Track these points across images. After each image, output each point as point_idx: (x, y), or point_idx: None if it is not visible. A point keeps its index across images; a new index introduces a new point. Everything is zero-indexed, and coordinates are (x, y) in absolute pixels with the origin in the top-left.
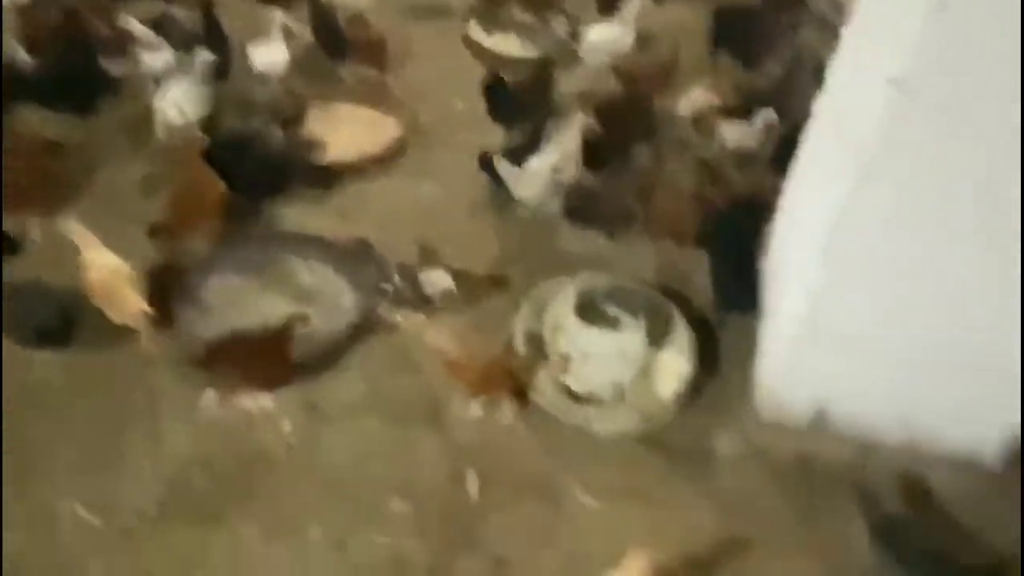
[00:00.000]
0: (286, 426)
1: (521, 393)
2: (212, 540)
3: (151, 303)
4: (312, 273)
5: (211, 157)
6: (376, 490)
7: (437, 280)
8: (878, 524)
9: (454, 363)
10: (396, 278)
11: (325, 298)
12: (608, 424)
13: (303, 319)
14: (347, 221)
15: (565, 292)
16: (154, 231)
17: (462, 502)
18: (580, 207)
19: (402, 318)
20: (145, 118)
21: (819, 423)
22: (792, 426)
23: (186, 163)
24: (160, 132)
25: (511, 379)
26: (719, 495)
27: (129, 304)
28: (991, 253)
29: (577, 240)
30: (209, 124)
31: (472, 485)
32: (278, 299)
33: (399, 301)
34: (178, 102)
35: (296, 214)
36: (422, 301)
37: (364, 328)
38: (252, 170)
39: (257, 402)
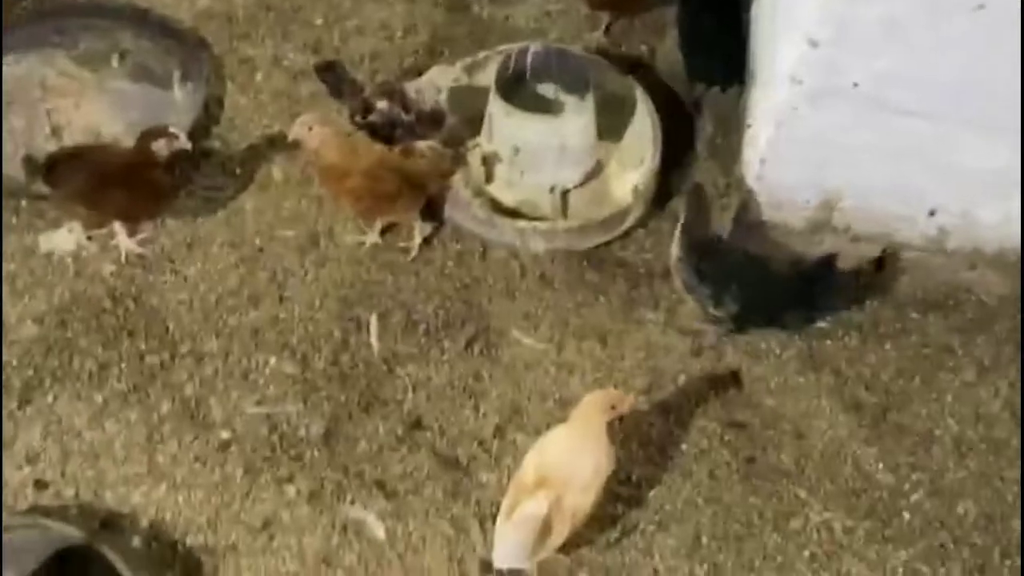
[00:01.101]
0: (107, 270)
1: (432, 209)
2: (22, 425)
3: None
4: (124, 61)
5: None
6: (242, 347)
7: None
8: (690, 243)
9: (333, 169)
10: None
11: (150, 94)
12: (549, 241)
13: (172, 135)
14: None
15: (489, 69)
16: None
17: (361, 354)
18: None
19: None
20: None
21: (824, 217)
22: (789, 227)
23: None
24: None
25: (413, 189)
26: (692, 324)
27: None
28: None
29: (506, 5)
30: None
31: (372, 332)
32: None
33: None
34: None
35: None
36: (432, 122)
37: (207, 135)
38: None
39: (63, 241)
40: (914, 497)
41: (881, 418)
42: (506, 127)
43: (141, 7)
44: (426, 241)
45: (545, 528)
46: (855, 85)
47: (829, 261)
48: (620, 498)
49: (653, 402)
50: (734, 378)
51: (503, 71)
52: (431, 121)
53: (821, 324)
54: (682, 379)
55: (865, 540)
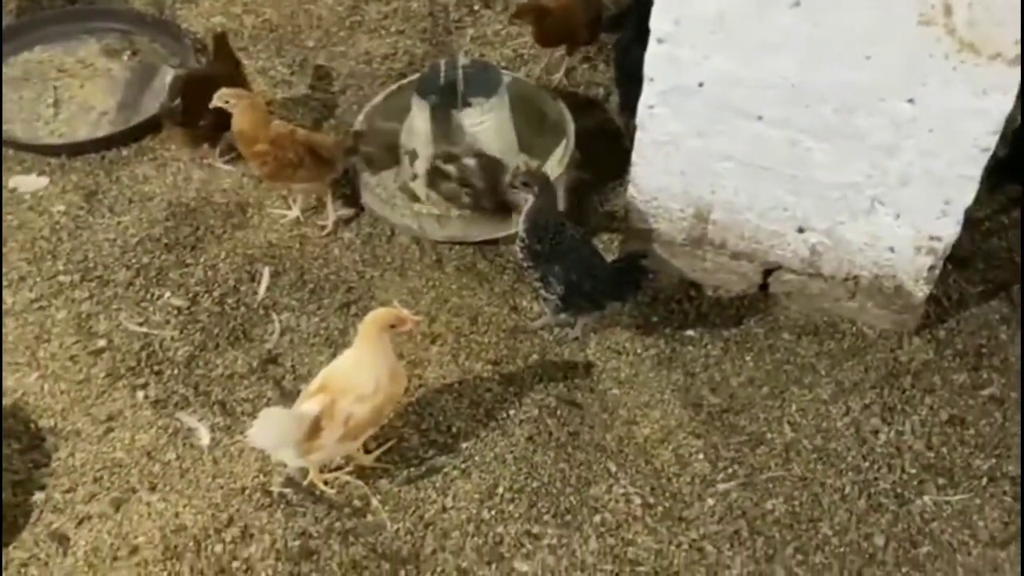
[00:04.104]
0: (58, 208)
1: (353, 195)
2: None
3: None
4: (135, 57)
5: None
6: (146, 281)
7: None
8: (532, 226)
9: (243, 136)
10: None
11: (141, 80)
12: (443, 227)
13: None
14: None
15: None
16: None
17: (245, 299)
18: None
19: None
20: None
21: (700, 231)
22: (671, 240)
23: None
24: None
25: (316, 160)
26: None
27: None
28: None
29: (484, 44)
30: None
31: (262, 282)
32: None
33: None
34: None
35: None
36: None
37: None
38: None
39: (33, 181)
40: (723, 487)
41: (717, 417)
42: (418, 119)
43: (164, 19)
44: (346, 223)
45: (315, 428)
46: (700, 85)
47: (635, 256)
48: (434, 444)
49: (499, 372)
50: (587, 367)
51: (429, 75)
52: None
53: (690, 332)
54: (534, 358)
55: (661, 516)
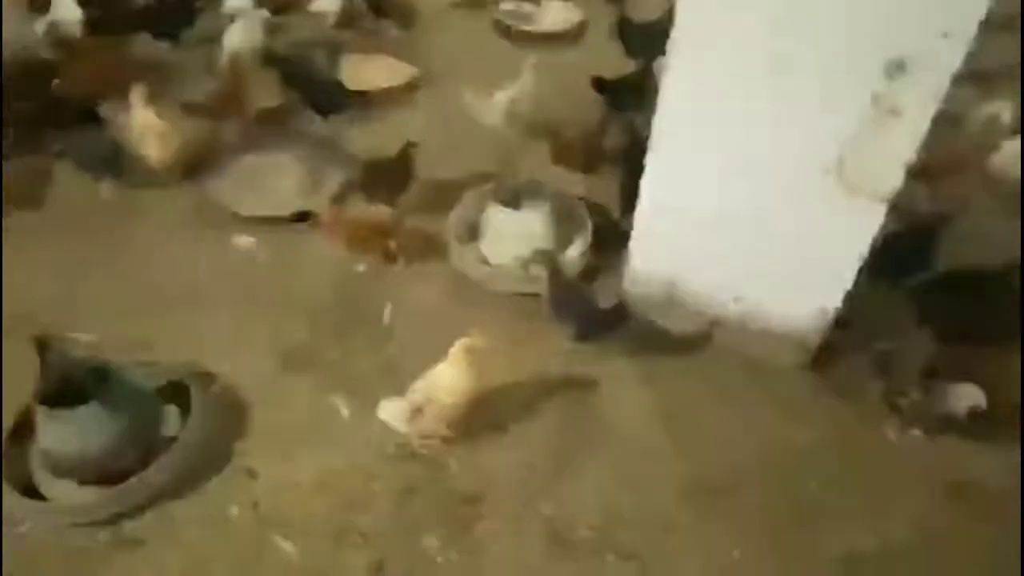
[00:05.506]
0: (262, 256)
1: (389, 252)
2: None
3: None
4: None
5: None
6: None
7: None
8: (553, 285)
9: (331, 225)
10: None
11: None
12: (505, 284)
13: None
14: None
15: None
16: (189, 108)
17: (375, 328)
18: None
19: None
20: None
21: (669, 298)
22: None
23: (233, 75)
24: (224, 55)
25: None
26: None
27: (155, 149)
28: (791, 128)
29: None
30: (266, 53)
31: (387, 314)
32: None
33: None
34: (241, 35)
35: (325, 127)
36: None
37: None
38: (296, 85)
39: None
40: None
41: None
42: (493, 218)
43: (322, 137)
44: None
45: (417, 411)
46: (676, 205)
47: (621, 304)
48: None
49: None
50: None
51: (502, 190)
52: None
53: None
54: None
55: None
